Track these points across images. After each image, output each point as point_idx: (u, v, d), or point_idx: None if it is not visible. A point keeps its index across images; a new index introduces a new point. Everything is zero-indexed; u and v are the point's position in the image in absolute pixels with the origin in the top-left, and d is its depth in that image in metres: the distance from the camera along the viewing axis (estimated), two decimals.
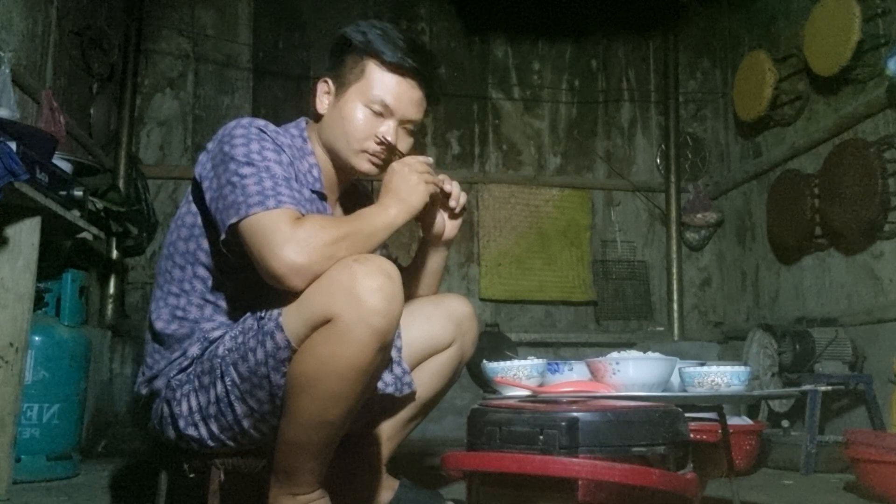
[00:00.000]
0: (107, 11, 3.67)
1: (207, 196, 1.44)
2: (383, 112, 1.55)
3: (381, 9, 4.33)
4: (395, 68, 1.54)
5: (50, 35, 3.00)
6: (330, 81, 1.60)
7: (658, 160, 4.53)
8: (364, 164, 1.57)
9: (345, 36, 1.59)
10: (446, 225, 1.69)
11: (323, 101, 1.61)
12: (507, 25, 4.48)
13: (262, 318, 1.38)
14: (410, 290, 1.75)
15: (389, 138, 1.55)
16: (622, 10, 4.47)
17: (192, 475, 1.54)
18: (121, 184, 3.79)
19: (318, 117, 1.62)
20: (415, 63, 1.55)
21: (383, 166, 1.57)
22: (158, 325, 1.52)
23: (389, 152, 1.56)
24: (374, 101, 1.54)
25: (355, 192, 1.78)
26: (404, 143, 1.60)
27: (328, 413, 1.34)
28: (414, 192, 1.49)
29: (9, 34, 2.61)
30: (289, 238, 1.31)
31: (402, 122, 1.58)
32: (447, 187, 1.62)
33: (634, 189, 4.48)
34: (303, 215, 1.37)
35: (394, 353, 1.67)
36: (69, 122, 3.01)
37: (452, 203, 1.64)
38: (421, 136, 4.35)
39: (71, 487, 2.27)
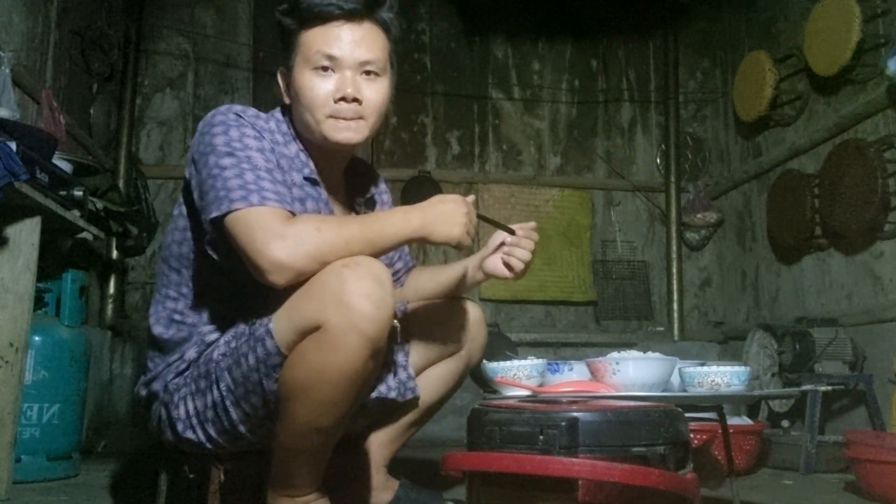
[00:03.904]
0: (107, 11, 3.67)
1: (195, 195, 1.41)
2: (331, 66, 1.44)
3: None
4: (323, 18, 1.43)
5: (50, 35, 3.00)
6: (282, 72, 1.53)
7: (658, 160, 4.54)
8: (339, 133, 1.45)
9: (278, 22, 1.49)
10: (498, 269, 1.66)
11: (283, 92, 1.54)
12: (507, 25, 4.48)
13: (253, 323, 1.37)
14: (433, 293, 1.74)
15: (349, 90, 1.43)
16: (622, 10, 4.47)
17: (191, 475, 1.54)
18: (121, 184, 3.79)
19: (287, 107, 1.56)
20: (339, 2, 1.42)
21: (360, 124, 1.46)
22: (157, 329, 1.51)
23: (358, 116, 1.46)
24: (316, 59, 1.43)
25: (356, 170, 1.70)
26: (371, 89, 1.46)
27: (321, 419, 1.32)
28: (448, 224, 1.39)
29: (9, 34, 2.61)
30: (276, 235, 1.28)
31: (357, 69, 1.45)
32: (520, 253, 1.59)
33: (634, 189, 4.48)
34: (292, 214, 1.34)
35: (400, 358, 1.66)
36: (69, 122, 3.01)
37: (515, 263, 1.62)
38: (421, 137, 4.36)
39: (71, 487, 2.26)
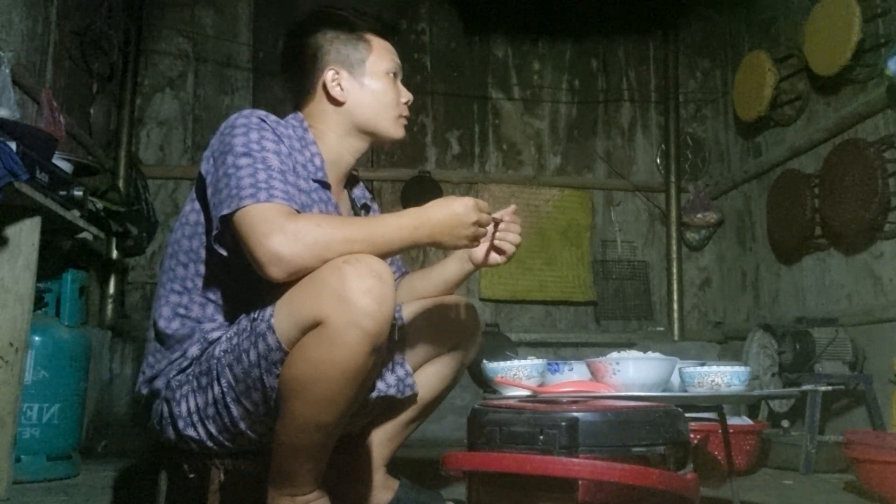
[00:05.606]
0: (107, 11, 3.67)
1: (209, 191, 1.44)
2: (397, 74, 1.67)
3: (381, 8, 4.32)
4: (386, 34, 1.69)
5: (50, 35, 3.00)
6: (336, 69, 1.61)
7: (658, 160, 4.53)
8: (401, 130, 1.67)
9: (332, 17, 1.65)
10: (492, 258, 1.68)
11: (336, 89, 1.61)
12: (507, 25, 4.48)
13: (255, 319, 1.37)
14: (427, 292, 1.76)
15: (411, 95, 1.69)
16: (622, 10, 4.47)
17: (192, 475, 1.54)
18: (121, 184, 3.79)
19: (337, 103, 1.62)
20: (390, 22, 1.71)
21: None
22: (161, 323, 1.52)
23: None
24: (391, 68, 1.65)
25: (352, 179, 1.77)
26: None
27: (322, 416, 1.32)
28: (455, 237, 1.44)
29: (9, 34, 2.61)
30: (277, 229, 1.30)
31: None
32: (511, 237, 1.65)
33: (634, 189, 4.48)
34: (297, 211, 1.36)
35: (398, 355, 1.67)
36: (69, 122, 3.01)
37: (507, 247, 1.66)
38: (421, 137, 4.36)
39: (71, 487, 2.27)
